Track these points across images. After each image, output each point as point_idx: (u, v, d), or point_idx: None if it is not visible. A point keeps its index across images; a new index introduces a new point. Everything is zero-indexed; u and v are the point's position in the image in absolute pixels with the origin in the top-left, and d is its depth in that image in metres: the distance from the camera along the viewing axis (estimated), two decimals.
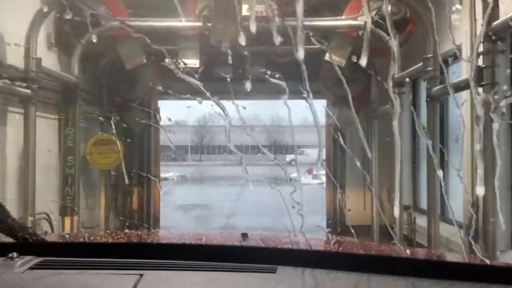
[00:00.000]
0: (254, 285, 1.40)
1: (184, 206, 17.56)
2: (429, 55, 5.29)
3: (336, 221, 9.98)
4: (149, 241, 1.80)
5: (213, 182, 31.89)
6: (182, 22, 6.78)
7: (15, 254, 1.47)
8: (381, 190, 9.13)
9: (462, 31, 6.16)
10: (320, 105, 10.50)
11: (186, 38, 6.93)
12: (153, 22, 6.81)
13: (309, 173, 33.61)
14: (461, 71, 5.93)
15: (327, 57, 6.99)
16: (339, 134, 9.35)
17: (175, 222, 12.69)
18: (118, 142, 7.57)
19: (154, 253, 1.60)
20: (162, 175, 34.67)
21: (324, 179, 27.08)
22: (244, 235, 1.82)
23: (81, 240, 1.98)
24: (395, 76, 6.56)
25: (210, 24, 6.37)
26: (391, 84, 1.50)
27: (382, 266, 1.47)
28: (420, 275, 1.42)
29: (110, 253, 1.60)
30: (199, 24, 6.52)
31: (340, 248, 1.75)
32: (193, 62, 6.97)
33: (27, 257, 1.47)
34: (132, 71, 7.81)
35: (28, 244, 1.69)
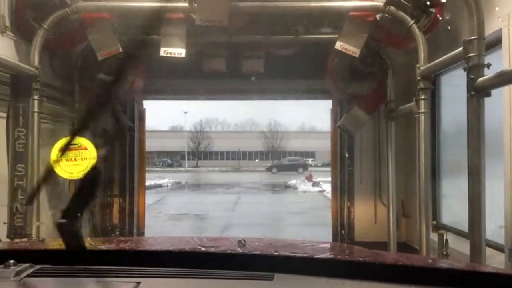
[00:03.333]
0: None
1: (176, 217, 16.38)
2: (472, 37, 4.17)
3: (344, 237, 8.83)
4: (146, 249, 1.76)
5: (209, 189, 30.80)
6: (164, 3, 5.64)
7: (11, 262, 1.44)
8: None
9: (503, 15, 5.08)
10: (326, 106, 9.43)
11: (170, 23, 5.79)
12: (129, 2, 5.70)
13: (309, 180, 32.48)
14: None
15: (337, 45, 5.87)
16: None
17: (164, 235, 11.53)
18: (90, 146, 6.40)
19: (152, 261, 1.57)
20: (157, 181, 33.81)
21: (324, 186, 26.18)
22: (241, 242, 1.72)
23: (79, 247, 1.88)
24: (421, 68, 5.47)
25: (196, 4, 5.24)
26: None
27: (384, 274, 1.44)
28: (422, 283, 1.40)
29: (108, 260, 1.56)
30: (185, 4, 5.40)
31: (340, 255, 1.69)
32: (178, 51, 5.83)
33: (24, 265, 1.45)
34: (109, 65, 6.67)
35: (25, 251, 1.66)
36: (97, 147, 6.78)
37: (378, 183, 8.46)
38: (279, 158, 64.57)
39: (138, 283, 1.36)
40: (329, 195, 21.72)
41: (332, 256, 1.65)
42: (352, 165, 8.71)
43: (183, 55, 5.83)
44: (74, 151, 6.31)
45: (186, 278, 1.44)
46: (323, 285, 1.43)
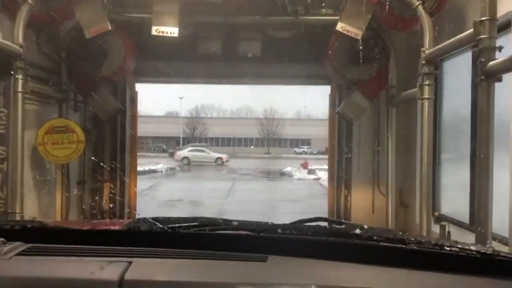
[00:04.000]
0: (244, 274, 1.39)
1: (170, 203, 16.15)
2: (484, 18, 3.90)
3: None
4: (138, 229, 1.70)
5: (203, 175, 30.59)
6: None
7: (1, 240, 1.45)
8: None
9: None
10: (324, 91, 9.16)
11: (162, 0, 5.48)
12: None
13: (304, 168, 32.31)
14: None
15: (339, 27, 5.58)
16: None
17: None
18: (78, 129, 6.14)
19: (143, 241, 1.58)
20: (151, 167, 33.50)
21: (319, 174, 26.00)
22: (236, 223, 1.72)
23: (70, 226, 1.91)
24: (426, 51, 5.20)
25: None
26: None
27: (377, 256, 1.45)
28: (418, 266, 1.40)
29: (99, 240, 1.56)
30: None
31: (333, 237, 1.61)
32: (171, 30, 5.52)
33: (15, 243, 1.45)
34: (99, 44, 6.37)
35: (15, 230, 1.67)
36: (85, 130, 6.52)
37: (377, 171, 8.24)
38: (274, 145, 64.40)
39: (130, 262, 1.36)
40: (325, 182, 21.56)
41: (325, 238, 1.61)
42: (350, 153, 8.47)
43: (175, 34, 5.53)
44: (60, 134, 6.05)
45: (178, 258, 1.43)
46: (316, 267, 1.42)
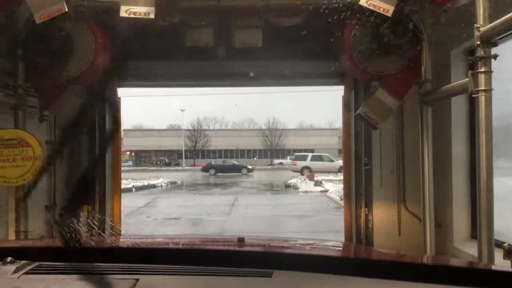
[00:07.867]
0: None
1: (167, 222, 14.82)
2: None
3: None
4: (145, 246, 1.76)
5: (205, 189, 29.36)
6: None
7: (9, 259, 1.46)
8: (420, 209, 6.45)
9: None
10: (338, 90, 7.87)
11: None
12: None
13: (310, 179, 30.88)
14: None
15: (363, 1, 4.34)
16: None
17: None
18: (34, 143, 4.89)
19: (150, 258, 1.59)
20: (150, 181, 32.30)
21: (327, 186, 24.67)
22: (241, 240, 1.74)
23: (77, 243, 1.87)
24: (481, 29, 3.94)
25: None
26: None
27: (380, 271, 1.45)
28: (421, 279, 1.40)
29: (106, 257, 1.58)
30: None
31: (337, 253, 1.71)
32: (145, 11, 4.29)
33: (22, 262, 1.47)
34: (63, 36, 5.18)
35: (23, 248, 1.72)
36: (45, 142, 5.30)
37: (402, 186, 6.96)
38: (278, 156, 63.36)
39: (137, 280, 1.37)
40: (333, 195, 20.24)
41: (330, 253, 1.65)
42: (370, 164, 7.17)
43: (151, 15, 4.29)
44: (11, 149, 4.80)
45: (184, 275, 1.43)
46: (322, 281, 1.42)
